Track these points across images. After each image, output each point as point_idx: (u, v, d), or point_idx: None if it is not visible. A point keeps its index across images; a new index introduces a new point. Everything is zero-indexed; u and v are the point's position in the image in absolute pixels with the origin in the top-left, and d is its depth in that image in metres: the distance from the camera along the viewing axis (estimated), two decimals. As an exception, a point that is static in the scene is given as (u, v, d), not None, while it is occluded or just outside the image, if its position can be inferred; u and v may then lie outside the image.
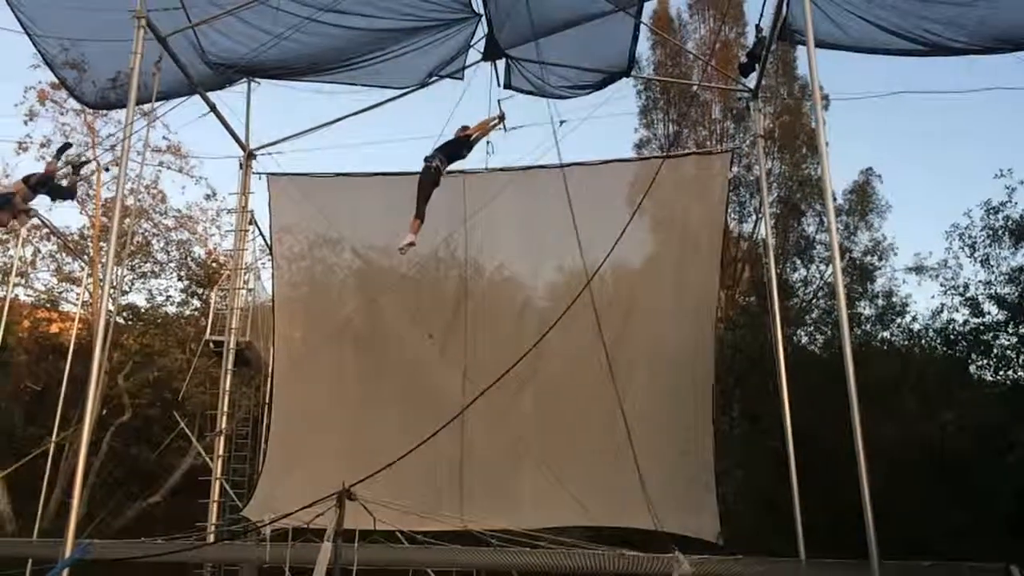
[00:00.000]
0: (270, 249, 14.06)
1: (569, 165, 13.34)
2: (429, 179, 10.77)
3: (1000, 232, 9.63)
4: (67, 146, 13.17)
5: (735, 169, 17.45)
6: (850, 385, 8.91)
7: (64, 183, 11.43)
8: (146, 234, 21.04)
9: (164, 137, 20.06)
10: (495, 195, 13.15)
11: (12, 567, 12.23)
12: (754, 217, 18.86)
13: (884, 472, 11.32)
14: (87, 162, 15.54)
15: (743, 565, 9.89)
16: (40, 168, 11.58)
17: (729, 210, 16.86)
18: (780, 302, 12.77)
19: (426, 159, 10.89)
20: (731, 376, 14.54)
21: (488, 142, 12.75)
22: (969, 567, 9.45)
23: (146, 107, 11.00)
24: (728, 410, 15.23)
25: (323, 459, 12.44)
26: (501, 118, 11.73)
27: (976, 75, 11.03)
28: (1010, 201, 9.58)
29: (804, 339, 16.73)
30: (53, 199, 11.44)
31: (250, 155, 13.85)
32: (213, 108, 12.89)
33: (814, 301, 17.83)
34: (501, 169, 13.22)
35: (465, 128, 11.38)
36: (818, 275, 18.23)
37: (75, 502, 9.11)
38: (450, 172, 13.36)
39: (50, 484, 15.88)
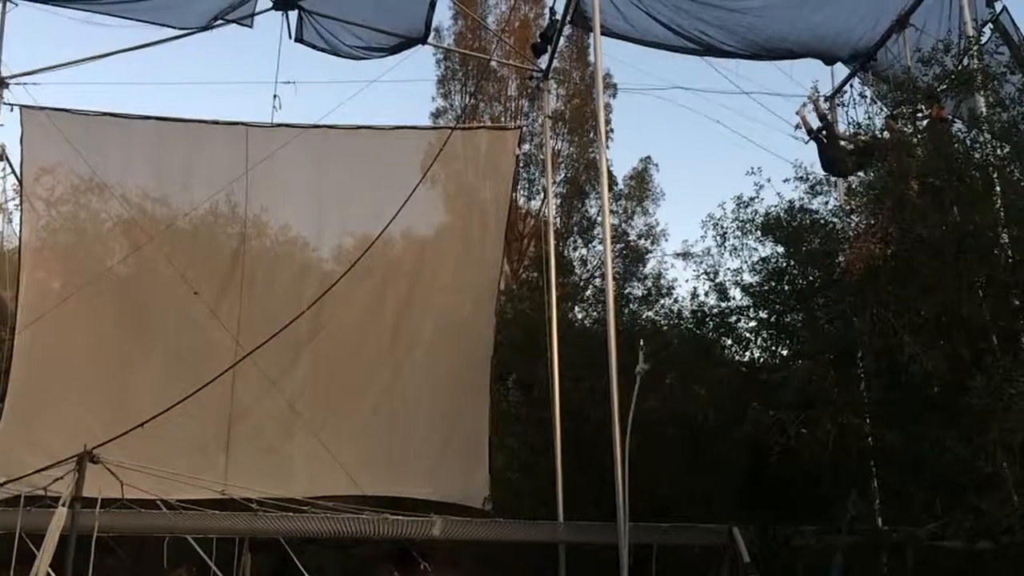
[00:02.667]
0: (22, 188, 12.74)
1: (360, 128, 13.23)
2: None
3: (748, 225, 10.56)
4: None
5: (526, 147, 17.99)
6: (611, 360, 9.53)
7: None
8: None
9: None
10: (279, 151, 12.60)
11: None
12: (542, 195, 19.49)
13: (645, 443, 12.11)
14: None
15: (501, 527, 10.35)
16: None
17: (519, 187, 17.33)
18: (558, 279, 13.33)
19: None
20: (509, 347, 14.96)
21: (276, 96, 12.35)
22: (701, 528, 10.44)
23: None
24: (504, 380, 15.69)
25: (75, 420, 11.50)
26: None
27: (744, 80, 11.97)
28: (758, 197, 10.49)
29: (580, 315, 17.59)
30: None
31: (1, 83, 12.43)
32: (-42, 26, 11.46)
33: (591, 280, 18.78)
34: (287, 125, 12.72)
35: None
36: (596, 255, 19.22)
37: None
38: (232, 123, 12.94)
39: None
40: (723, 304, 11.03)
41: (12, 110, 12.40)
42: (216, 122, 12.92)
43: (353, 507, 10.65)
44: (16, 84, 12.49)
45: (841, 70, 12.91)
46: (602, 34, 10.97)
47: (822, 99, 11.30)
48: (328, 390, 12.73)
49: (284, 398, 12.40)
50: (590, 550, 10.84)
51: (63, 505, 7.41)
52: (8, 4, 11.97)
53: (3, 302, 12.95)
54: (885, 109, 10.60)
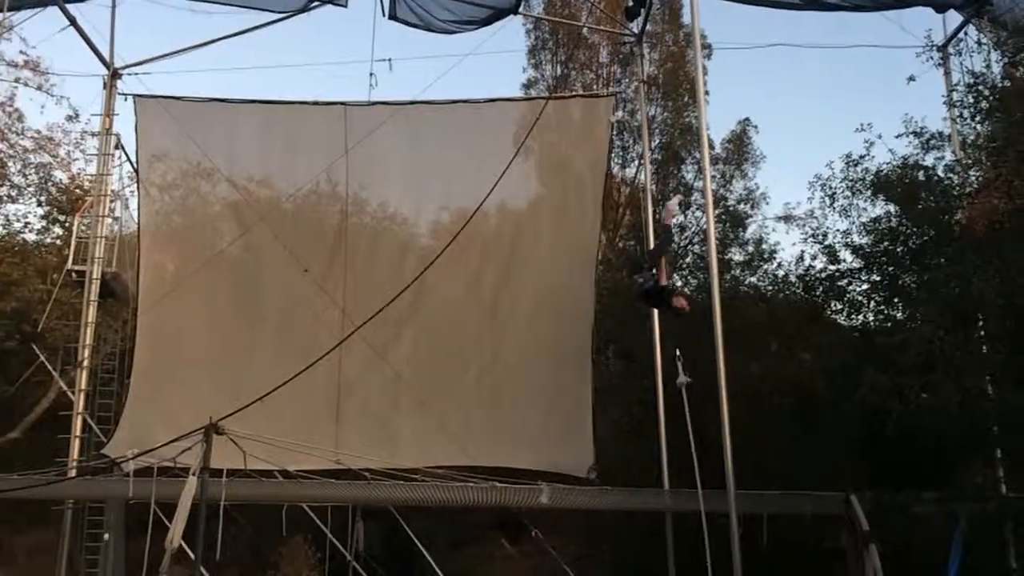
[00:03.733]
0: (138, 175, 13.34)
1: (455, 102, 13.29)
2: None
3: (858, 184, 10.15)
4: None
5: (619, 114, 17.68)
6: (716, 328, 9.34)
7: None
8: (1, 155, 19.51)
9: (21, 52, 18.48)
10: (377, 129, 12.79)
11: None
12: (637, 162, 19.16)
13: (748, 409, 11.90)
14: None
15: (607, 495, 10.35)
16: None
17: (613, 154, 17.08)
18: (657, 246, 13.12)
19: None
20: (609, 317, 14.86)
21: (372, 74, 12.53)
22: (815, 496, 10.20)
23: (-2, 17, 10.16)
24: (605, 350, 15.61)
25: (196, 394, 12.05)
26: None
27: (846, 33, 11.46)
28: (868, 155, 10.05)
29: (679, 283, 17.27)
30: None
31: (115, 74, 13.00)
32: (73, 22, 12.05)
33: (690, 246, 18.42)
34: (384, 103, 12.89)
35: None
36: (694, 221, 18.82)
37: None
38: (331, 103, 13.18)
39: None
40: (832, 267, 10.64)
41: (126, 100, 12.98)
42: (316, 103, 13.21)
43: (461, 476, 10.84)
44: (128, 75, 13.08)
45: (954, 17, 12.23)
46: (698, -7, 10.65)
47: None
48: (431, 363, 12.95)
49: (390, 372, 12.68)
50: (696, 519, 10.75)
51: (193, 475, 7.81)
52: (116, -1, 12.48)
53: (126, 284, 13.59)
54: (1004, 56, 9.99)
